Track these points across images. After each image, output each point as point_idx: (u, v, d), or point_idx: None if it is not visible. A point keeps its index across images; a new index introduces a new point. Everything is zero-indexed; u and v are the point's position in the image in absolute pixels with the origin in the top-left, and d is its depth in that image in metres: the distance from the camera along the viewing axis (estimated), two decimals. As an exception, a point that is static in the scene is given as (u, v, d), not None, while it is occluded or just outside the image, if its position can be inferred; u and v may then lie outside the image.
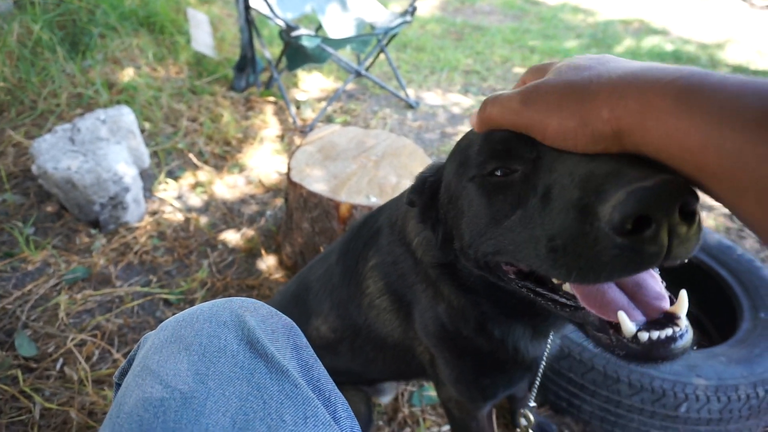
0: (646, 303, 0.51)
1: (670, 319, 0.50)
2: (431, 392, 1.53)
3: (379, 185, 1.68)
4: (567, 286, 0.57)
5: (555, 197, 0.49)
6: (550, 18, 5.49)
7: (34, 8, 2.87)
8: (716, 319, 1.70)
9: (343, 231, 1.64)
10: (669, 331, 0.48)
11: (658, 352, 0.48)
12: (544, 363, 0.87)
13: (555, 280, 0.58)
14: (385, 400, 1.46)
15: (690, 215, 0.42)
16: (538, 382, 0.95)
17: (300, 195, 1.67)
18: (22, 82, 2.67)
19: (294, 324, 0.67)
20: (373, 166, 1.78)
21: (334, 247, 1.10)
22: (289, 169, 1.74)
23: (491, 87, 3.71)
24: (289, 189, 1.74)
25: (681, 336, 0.48)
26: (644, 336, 0.48)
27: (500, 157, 0.57)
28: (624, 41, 4.75)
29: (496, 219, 0.58)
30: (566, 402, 1.42)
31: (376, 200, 1.61)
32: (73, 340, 1.50)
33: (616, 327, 0.50)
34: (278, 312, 0.67)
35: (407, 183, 1.70)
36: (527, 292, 0.62)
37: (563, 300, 0.58)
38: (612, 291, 0.52)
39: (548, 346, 0.86)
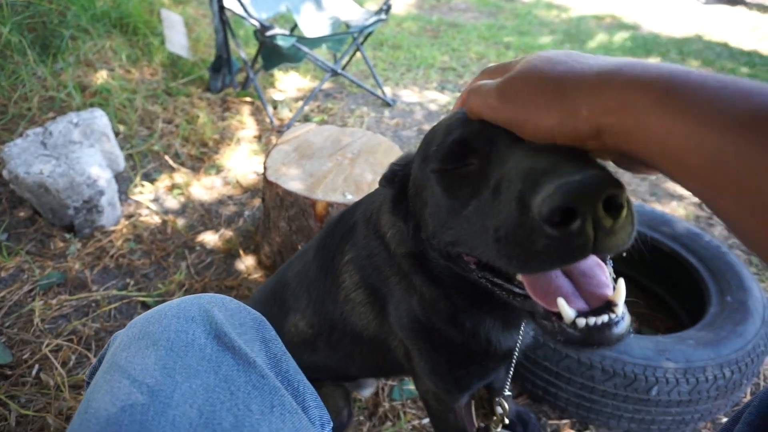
0: (590, 292, 0.53)
1: (608, 306, 0.52)
2: (411, 386, 1.55)
3: (356, 182, 1.69)
4: (520, 276, 0.58)
5: (503, 189, 0.51)
6: (525, 14, 5.55)
7: (2, 10, 2.82)
8: (686, 304, 1.75)
9: (320, 229, 1.65)
10: (605, 318, 0.50)
11: (594, 338, 0.50)
12: (517, 354, 0.89)
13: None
14: (366, 393, 1.47)
15: (616, 209, 0.43)
16: (512, 372, 0.97)
17: (276, 194, 1.68)
18: (-8, 87, 2.62)
19: (263, 318, 0.68)
20: (349, 163, 1.79)
21: (312, 243, 1.11)
22: (265, 168, 1.74)
23: (467, 84, 3.74)
24: (266, 188, 1.75)
25: (617, 323, 0.50)
26: (582, 322, 0.50)
27: (456, 153, 0.60)
28: (597, 36, 4.83)
29: (454, 210, 0.60)
30: (542, 390, 1.45)
31: (352, 197, 1.62)
32: (48, 345, 1.48)
33: (559, 315, 0.52)
34: (247, 307, 0.68)
35: (383, 179, 1.71)
36: (486, 283, 0.64)
37: (516, 290, 0.60)
38: (558, 280, 0.54)
39: (521, 337, 0.87)
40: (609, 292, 0.53)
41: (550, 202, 0.42)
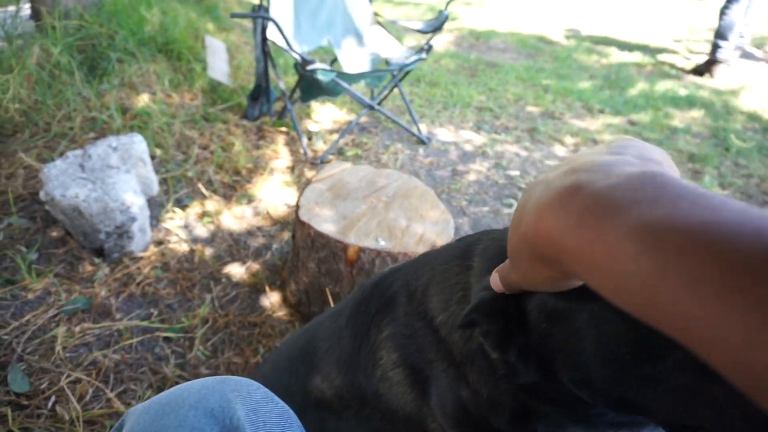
0: None
1: None
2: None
3: (389, 228, 1.65)
4: None
5: None
6: (564, 58, 5.53)
7: (54, 32, 2.92)
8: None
9: (350, 274, 1.61)
10: None
11: None
12: None
13: None
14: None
15: None
16: None
17: (308, 234, 1.64)
18: (38, 104, 2.69)
19: (290, 412, 0.62)
20: (384, 207, 1.75)
21: (343, 306, 1.05)
22: (297, 207, 1.72)
23: (504, 125, 3.70)
24: (297, 228, 1.71)
25: None
26: None
27: None
28: (637, 84, 4.76)
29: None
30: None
31: (385, 244, 1.58)
32: (68, 377, 1.45)
33: None
34: (274, 397, 0.63)
35: (417, 226, 1.67)
36: None
37: None
38: None
39: None
40: None
41: None
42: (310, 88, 2.94)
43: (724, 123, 3.94)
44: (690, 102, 4.32)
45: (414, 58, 3.04)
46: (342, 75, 2.78)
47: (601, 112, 4.07)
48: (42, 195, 1.87)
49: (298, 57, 2.73)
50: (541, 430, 0.72)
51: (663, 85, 4.74)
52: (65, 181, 1.88)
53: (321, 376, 1.04)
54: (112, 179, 1.93)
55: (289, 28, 3.09)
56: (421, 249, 1.57)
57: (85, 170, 1.97)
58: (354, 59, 3.27)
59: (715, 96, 4.54)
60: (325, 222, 1.64)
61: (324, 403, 1.04)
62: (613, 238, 0.31)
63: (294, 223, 1.76)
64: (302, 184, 2.68)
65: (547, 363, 0.57)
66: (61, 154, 2.39)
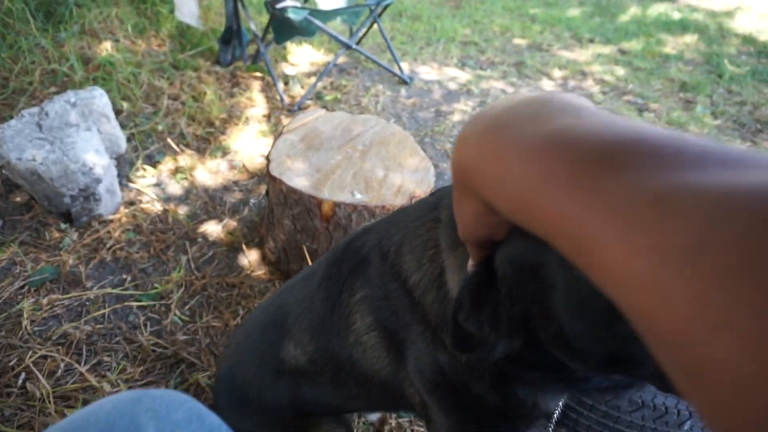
0: None
1: None
2: (420, 401, 1.46)
3: (365, 179, 1.56)
4: None
5: None
6: (553, -17, 5.25)
7: (3, -24, 2.69)
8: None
9: (326, 230, 1.54)
10: None
11: None
12: (557, 416, 0.76)
13: None
14: (373, 417, 1.38)
15: None
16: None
17: (280, 190, 1.56)
18: (-8, 58, 2.51)
19: (221, 429, 0.55)
20: (360, 157, 1.66)
21: (316, 267, 0.98)
22: (268, 161, 1.62)
23: (489, 60, 3.54)
24: (269, 183, 1.62)
25: None
26: None
27: None
28: (629, 9, 4.54)
29: None
30: (562, 414, 1.34)
31: (361, 197, 1.49)
32: (36, 353, 1.39)
33: None
34: (202, 414, 0.55)
35: (395, 176, 1.58)
36: None
37: None
38: None
39: (564, 398, 0.75)
40: None
41: None
42: (282, 28, 2.75)
43: (717, 48, 3.79)
44: (683, 26, 4.13)
45: (392, -10, 2.84)
46: (315, 12, 2.60)
47: (591, 41, 3.89)
48: (-3, 159, 1.76)
49: (266, -5, 2.54)
50: (521, 395, 0.68)
51: (656, 9, 4.53)
52: (21, 143, 1.77)
53: (294, 341, 0.99)
54: (71, 138, 1.81)
55: (255, -37, 2.86)
56: (400, 201, 1.50)
57: (43, 129, 1.85)
58: (328, -5, 3.06)
59: (709, 18, 4.35)
60: (298, 176, 1.55)
61: (298, 370, 1.00)
62: (498, 149, 0.34)
63: (267, 180, 1.67)
64: (273, 141, 2.56)
65: (524, 322, 0.52)
66: (19, 113, 2.25)
